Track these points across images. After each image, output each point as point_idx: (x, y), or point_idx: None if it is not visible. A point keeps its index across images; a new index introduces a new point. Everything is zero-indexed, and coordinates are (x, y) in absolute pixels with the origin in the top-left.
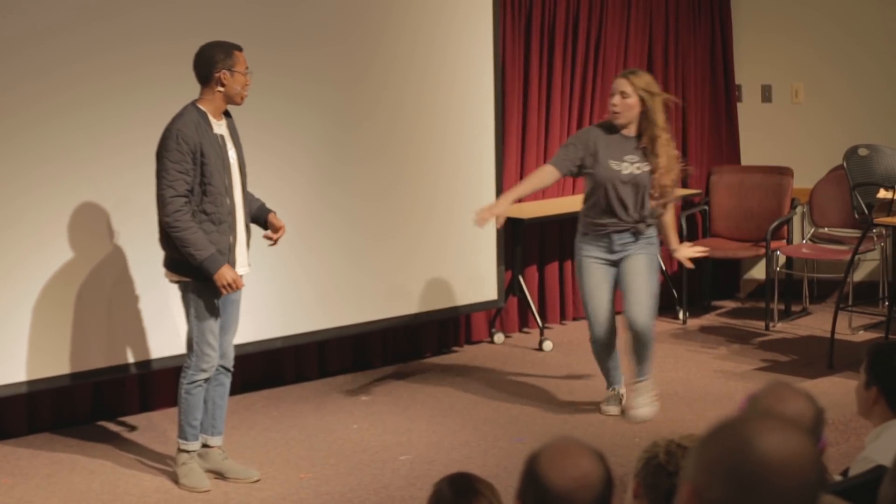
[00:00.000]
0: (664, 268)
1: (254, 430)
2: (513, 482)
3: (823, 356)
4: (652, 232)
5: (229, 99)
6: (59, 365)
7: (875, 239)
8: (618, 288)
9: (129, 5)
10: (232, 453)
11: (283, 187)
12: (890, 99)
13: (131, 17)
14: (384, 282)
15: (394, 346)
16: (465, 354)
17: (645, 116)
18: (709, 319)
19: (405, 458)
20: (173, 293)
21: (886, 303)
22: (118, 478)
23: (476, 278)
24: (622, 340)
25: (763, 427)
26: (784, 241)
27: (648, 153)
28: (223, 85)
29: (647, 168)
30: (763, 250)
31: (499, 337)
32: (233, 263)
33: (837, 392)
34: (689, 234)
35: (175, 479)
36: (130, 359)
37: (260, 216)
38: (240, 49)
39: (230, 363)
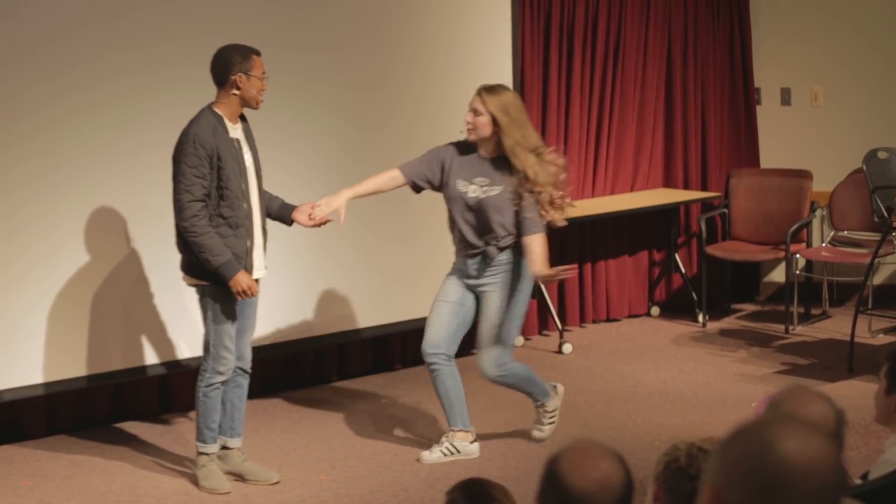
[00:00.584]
0: (683, 269)
1: (273, 432)
2: (532, 485)
3: (843, 360)
4: (506, 256)
5: (245, 102)
6: (77, 367)
7: (895, 242)
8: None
9: (145, 4)
10: (251, 455)
11: (301, 189)
12: None
13: (147, 17)
14: (404, 284)
15: (413, 348)
16: None
17: (499, 136)
18: (728, 322)
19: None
20: (190, 296)
21: None
22: (138, 479)
23: None
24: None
25: (784, 430)
26: (803, 245)
27: (514, 172)
28: (239, 88)
29: (496, 192)
30: (782, 253)
31: (518, 339)
32: (249, 267)
33: (857, 395)
34: (709, 236)
35: (195, 481)
36: (148, 361)
37: (283, 214)
38: (258, 53)
39: (248, 365)
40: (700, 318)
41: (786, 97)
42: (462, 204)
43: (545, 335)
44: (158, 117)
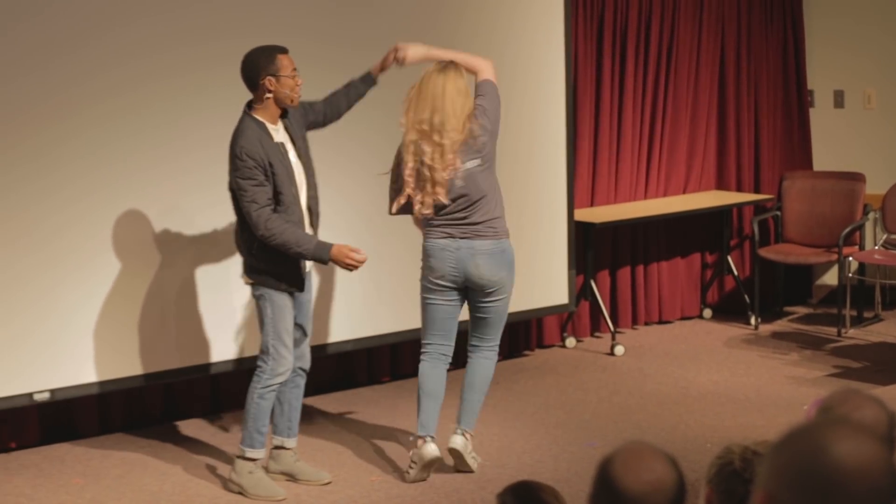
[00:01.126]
0: (736, 272)
1: (325, 432)
2: (584, 487)
3: (895, 363)
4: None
5: (280, 103)
6: (129, 366)
7: None
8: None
9: (185, 4)
10: (303, 455)
11: (353, 188)
12: None
13: (186, 16)
14: None
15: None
16: (536, 358)
17: None
18: (781, 325)
19: (481, 462)
20: (239, 297)
21: None
22: (189, 479)
23: (547, 282)
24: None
25: (836, 433)
26: (856, 247)
27: None
28: (270, 91)
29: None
30: (835, 256)
31: (570, 341)
32: (304, 268)
33: None
34: (762, 239)
35: (240, 490)
36: (200, 360)
37: (364, 82)
38: (283, 51)
39: (307, 364)
40: (752, 320)
41: (839, 99)
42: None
43: (597, 337)
44: (195, 119)
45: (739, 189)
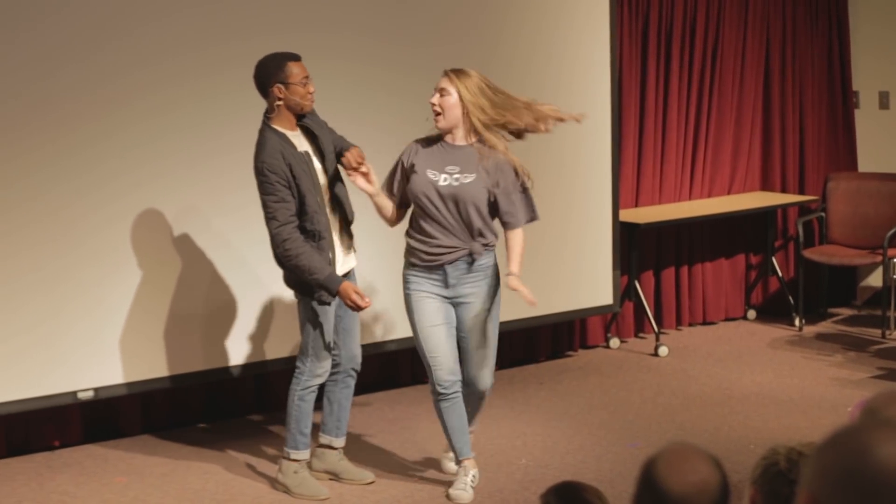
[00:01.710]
0: (780, 273)
1: (369, 431)
2: (627, 488)
3: None
4: (488, 259)
5: (291, 110)
6: (172, 365)
7: None
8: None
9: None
10: (347, 454)
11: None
12: None
13: (227, 13)
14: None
15: (509, 349)
16: (580, 359)
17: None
18: (825, 327)
19: (525, 462)
20: (286, 295)
21: None
22: (232, 478)
23: (592, 283)
24: None
25: (881, 435)
26: None
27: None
28: (280, 99)
29: (469, 180)
30: (880, 258)
31: (614, 342)
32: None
33: None
34: (806, 240)
35: (285, 490)
36: (243, 360)
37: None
38: (294, 59)
39: (357, 364)
40: (796, 321)
41: (884, 101)
42: (435, 194)
43: (641, 338)
44: (238, 118)
45: (784, 190)
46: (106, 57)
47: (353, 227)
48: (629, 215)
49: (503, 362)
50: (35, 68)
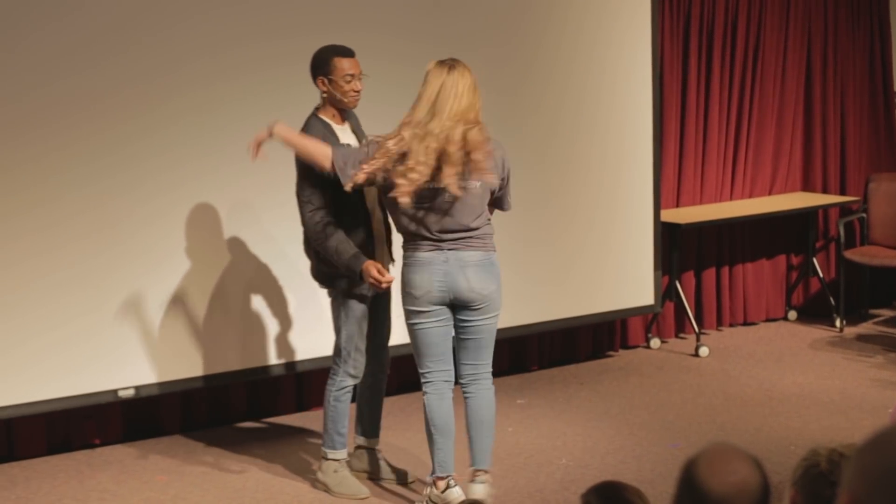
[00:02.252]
0: (821, 274)
1: (409, 431)
2: (667, 488)
3: None
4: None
5: (334, 105)
6: (214, 363)
7: None
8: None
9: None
10: (386, 454)
11: None
12: None
13: (267, 11)
14: (541, 286)
15: (550, 349)
16: (620, 359)
17: None
18: (866, 328)
19: (565, 462)
20: (320, 294)
21: None
22: (272, 477)
23: (633, 283)
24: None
25: None
26: None
27: None
28: (324, 92)
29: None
30: None
31: (655, 342)
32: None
33: None
34: (847, 241)
35: (325, 488)
36: (283, 359)
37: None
38: (343, 54)
39: (384, 365)
40: (837, 322)
41: None
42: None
43: (682, 338)
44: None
45: (825, 191)
46: (149, 52)
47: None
48: (670, 215)
49: (543, 362)
50: (77, 62)
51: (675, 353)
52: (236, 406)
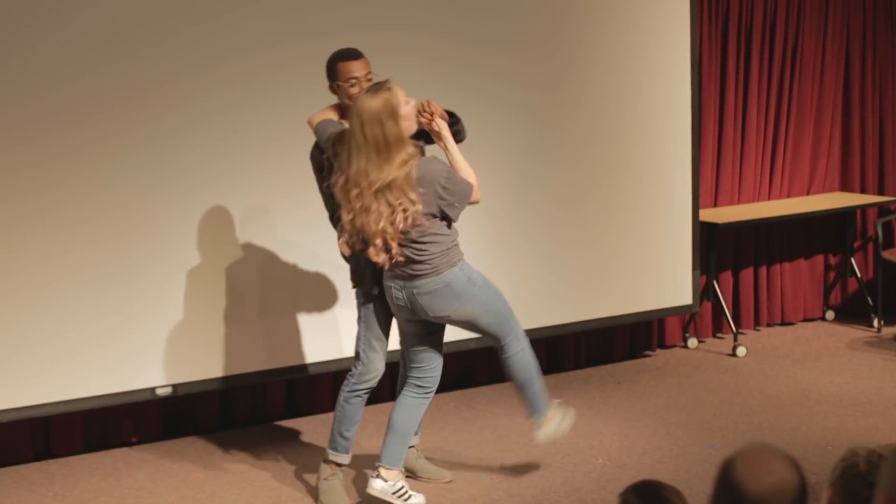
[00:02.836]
0: (859, 274)
1: (446, 430)
2: (704, 488)
3: None
4: None
5: (346, 108)
6: (252, 361)
7: None
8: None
9: None
10: (425, 453)
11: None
12: None
13: (299, 10)
14: (579, 285)
15: (587, 348)
16: (658, 358)
17: None
18: None
19: (602, 462)
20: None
21: None
22: (310, 475)
23: (672, 283)
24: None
25: None
26: None
27: None
28: (334, 94)
29: None
30: None
31: (692, 342)
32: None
33: None
34: (885, 241)
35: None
36: (319, 358)
37: None
38: (345, 58)
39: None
40: (875, 323)
41: None
42: None
43: (719, 338)
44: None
45: (863, 191)
46: (177, 52)
47: None
48: (708, 215)
49: (580, 362)
50: (108, 61)
51: (712, 353)
52: (274, 404)
